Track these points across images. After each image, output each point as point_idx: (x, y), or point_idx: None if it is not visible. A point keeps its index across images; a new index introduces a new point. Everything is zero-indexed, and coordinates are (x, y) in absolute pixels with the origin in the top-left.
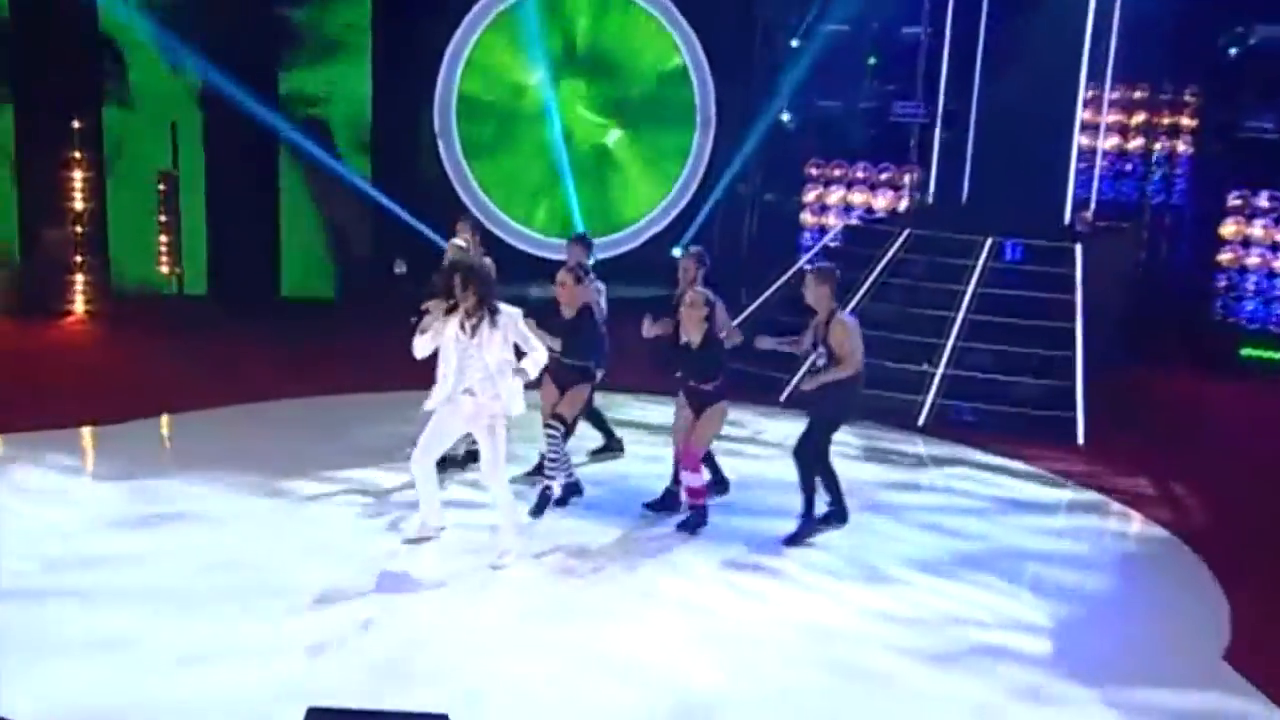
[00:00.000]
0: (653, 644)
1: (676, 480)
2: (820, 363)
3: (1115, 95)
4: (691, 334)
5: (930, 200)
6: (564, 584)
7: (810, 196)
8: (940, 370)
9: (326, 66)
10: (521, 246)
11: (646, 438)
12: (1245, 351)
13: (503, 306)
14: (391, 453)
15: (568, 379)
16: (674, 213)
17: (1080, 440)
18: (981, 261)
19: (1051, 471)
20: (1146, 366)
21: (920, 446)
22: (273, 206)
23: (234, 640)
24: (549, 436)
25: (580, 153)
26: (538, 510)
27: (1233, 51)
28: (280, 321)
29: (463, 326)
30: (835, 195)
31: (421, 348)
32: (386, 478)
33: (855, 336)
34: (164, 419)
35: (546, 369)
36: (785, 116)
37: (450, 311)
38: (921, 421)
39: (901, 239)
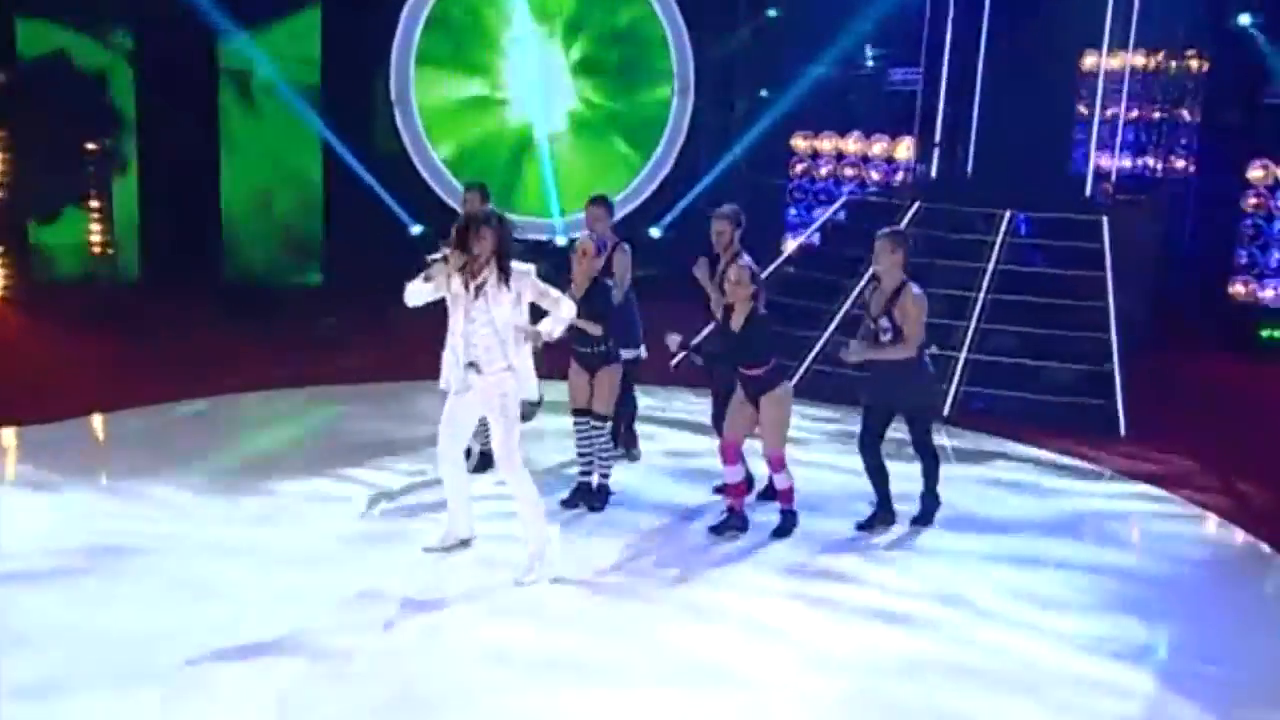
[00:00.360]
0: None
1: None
2: (886, 338)
3: (1131, 62)
4: (734, 313)
5: (934, 172)
6: (606, 605)
7: (798, 170)
8: (963, 355)
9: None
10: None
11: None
12: (1265, 333)
13: (516, 265)
14: (388, 449)
15: (593, 362)
16: (650, 188)
17: (1123, 431)
18: (1001, 236)
19: (1102, 466)
20: (1164, 347)
21: (946, 439)
22: (213, 180)
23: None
24: (593, 433)
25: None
26: (599, 503)
27: (1244, 19)
28: (221, 308)
29: (466, 285)
30: (825, 169)
31: (416, 294)
32: (385, 477)
33: (924, 313)
34: (99, 418)
35: (571, 354)
36: (764, 93)
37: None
38: (946, 411)
39: (911, 213)
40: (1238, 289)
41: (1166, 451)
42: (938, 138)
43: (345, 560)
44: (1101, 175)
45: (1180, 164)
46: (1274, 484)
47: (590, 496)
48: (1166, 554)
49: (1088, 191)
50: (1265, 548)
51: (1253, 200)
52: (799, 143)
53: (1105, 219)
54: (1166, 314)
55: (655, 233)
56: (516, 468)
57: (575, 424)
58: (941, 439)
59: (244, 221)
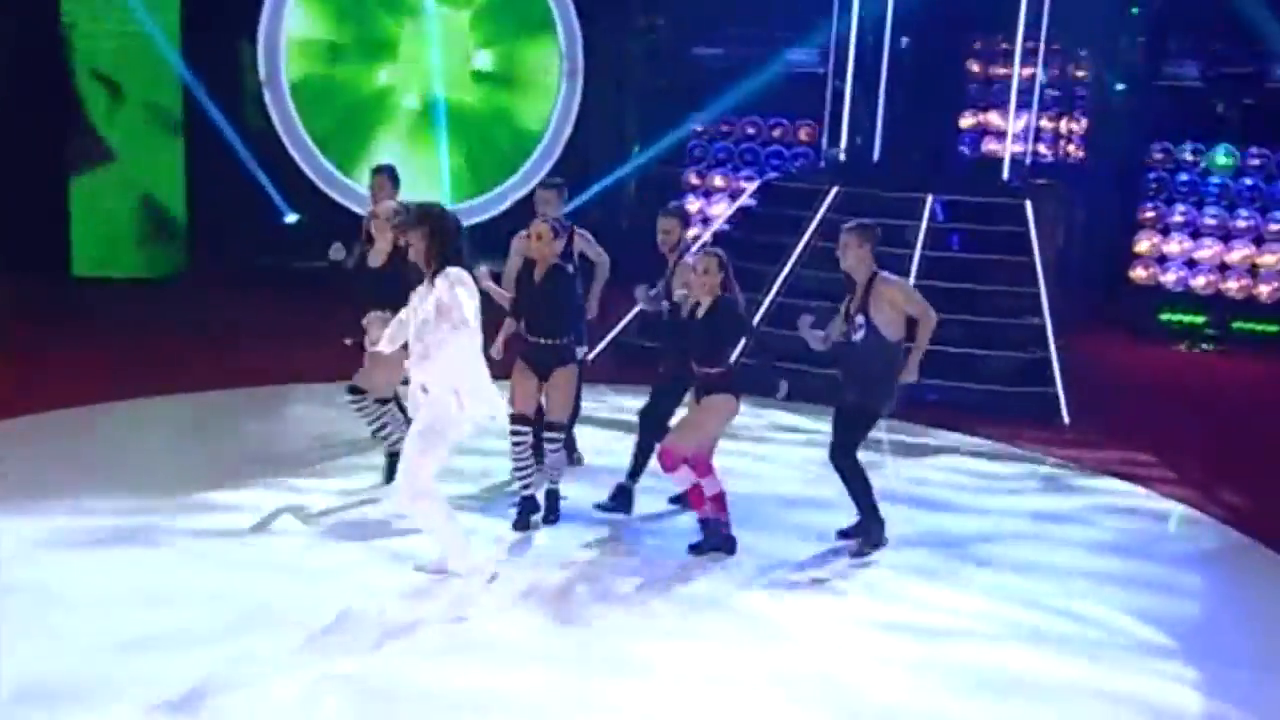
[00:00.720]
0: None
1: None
2: (858, 336)
3: (1029, 45)
4: (702, 305)
5: (842, 156)
6: (569, 634)
7: (695, 155)
8: None
9: None
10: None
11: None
12: (1164, 316)
13: (453, 270)
14: (295, 461)
15: (546, 362)
16: (539, 175)
17: (1066, 419)
18: (925, 222)
19: (1058, 458)
20: (1067, 332)
21: (885, 433)
22: (59, 163)
23: None
24: (547, 445)
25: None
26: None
27: (1135, 10)
28: (74, 308)
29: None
30: (722, 154)
31: (389, 340)
32: (301, 498)
33: (911, 288)
34: None
35: (519, 352)
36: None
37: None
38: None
39: (831, 198)
40: (1138, 273)
41: (1116, 440)
42: (845, 122)
43: (306, 584)
44: (1017, 159)
45: (1081, 149)
46: (1244, 472)
47: (537, 509)
48: (1166, 560)
49: (1005, 175)
50: (1234, 534)
51: (1153, 184)
52: (695, 128)
53: (1029, 203)
54: (1069, 298)
55: None
56: (415, 495)
57: (513, 432)
58: (880, 433)
59: (97, 207)
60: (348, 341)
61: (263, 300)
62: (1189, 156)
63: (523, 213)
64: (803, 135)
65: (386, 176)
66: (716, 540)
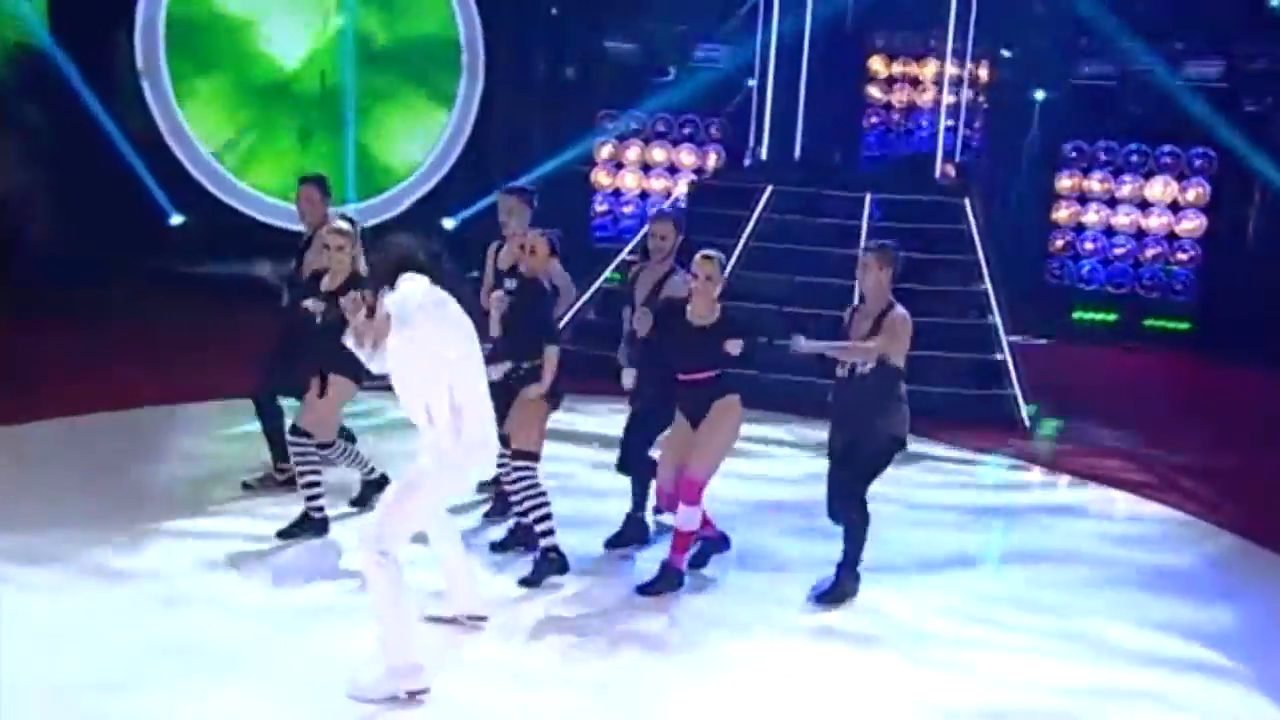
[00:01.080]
0: None
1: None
2: (865, 368)
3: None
4: (701, 312)
5: (764, 156)
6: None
7: (604, 154)
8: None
9: None
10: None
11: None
12: (1078, 315)
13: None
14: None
15: (515, 384)
16: (440, 174)
17: (1028, 421)
18: (865, 221)
19: (1024, 460)
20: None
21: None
22: None
23: None
24: (520, 476)
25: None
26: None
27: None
28: None
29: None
30: (632, 152)
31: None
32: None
33: (909, 336)
34: None
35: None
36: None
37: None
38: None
39: (766, 197)
40: (1053, 270)
41: (1087, 442)
42: (767, 121)
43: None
44: (946, 155)
45: (994, 147)
46: (1219, 471)
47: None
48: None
49: (937, 173)
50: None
51: (1067, 181)
52: (605, 125)
53: (968, 201)
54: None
55: (449, 223)
56: (377, 552)
57: (516, 469)
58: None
59: None
60: (310, 305)
61: (148, 307)
62: (1102, 155)
63: (419, 215)
64: (713, 132)
65: (316, 187)
66: (711, 547)
